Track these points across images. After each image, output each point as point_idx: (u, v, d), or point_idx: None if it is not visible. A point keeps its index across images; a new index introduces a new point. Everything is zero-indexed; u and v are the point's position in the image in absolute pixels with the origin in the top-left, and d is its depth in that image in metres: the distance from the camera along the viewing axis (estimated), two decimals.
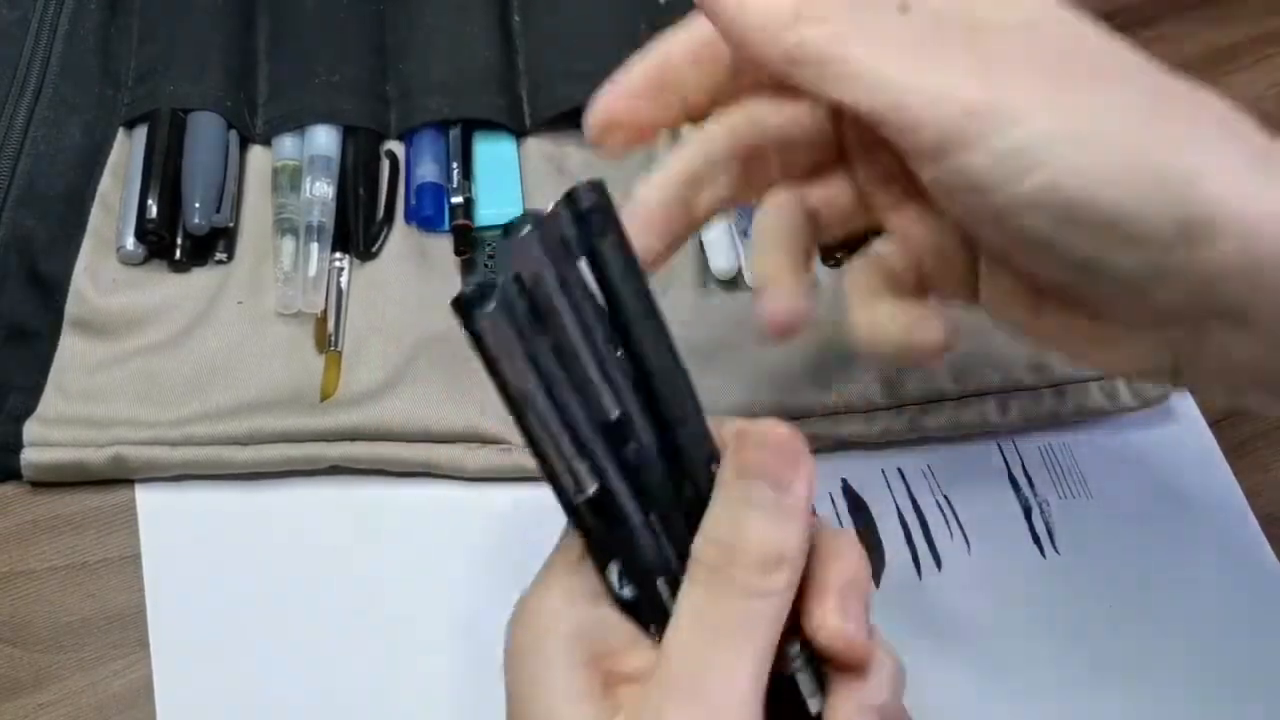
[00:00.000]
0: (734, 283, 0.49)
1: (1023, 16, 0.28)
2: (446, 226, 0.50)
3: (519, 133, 0.53)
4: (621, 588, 0.28)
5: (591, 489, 0.27)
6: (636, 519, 0.28)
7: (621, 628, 0.28)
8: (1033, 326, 0.31)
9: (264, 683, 0.41)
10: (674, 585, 0.28)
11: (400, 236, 0.50)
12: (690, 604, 0.27)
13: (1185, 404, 0.48)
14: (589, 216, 0.27)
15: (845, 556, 0.28)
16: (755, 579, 0.26)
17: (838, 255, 0.50)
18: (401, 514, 0.45)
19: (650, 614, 0.28)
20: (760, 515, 0.27)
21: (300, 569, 0.43)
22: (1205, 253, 0.25)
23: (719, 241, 0.49)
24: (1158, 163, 0.25)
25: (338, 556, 0.44)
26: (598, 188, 0.28)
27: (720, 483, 0.27)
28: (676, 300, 0.48)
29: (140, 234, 0.48)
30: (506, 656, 0.28)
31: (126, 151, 0.51)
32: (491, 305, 0.26)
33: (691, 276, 0.49)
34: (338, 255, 0.49)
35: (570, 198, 0.27)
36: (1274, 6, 0.61)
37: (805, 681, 0.28)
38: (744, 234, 0.49)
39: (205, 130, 0.51)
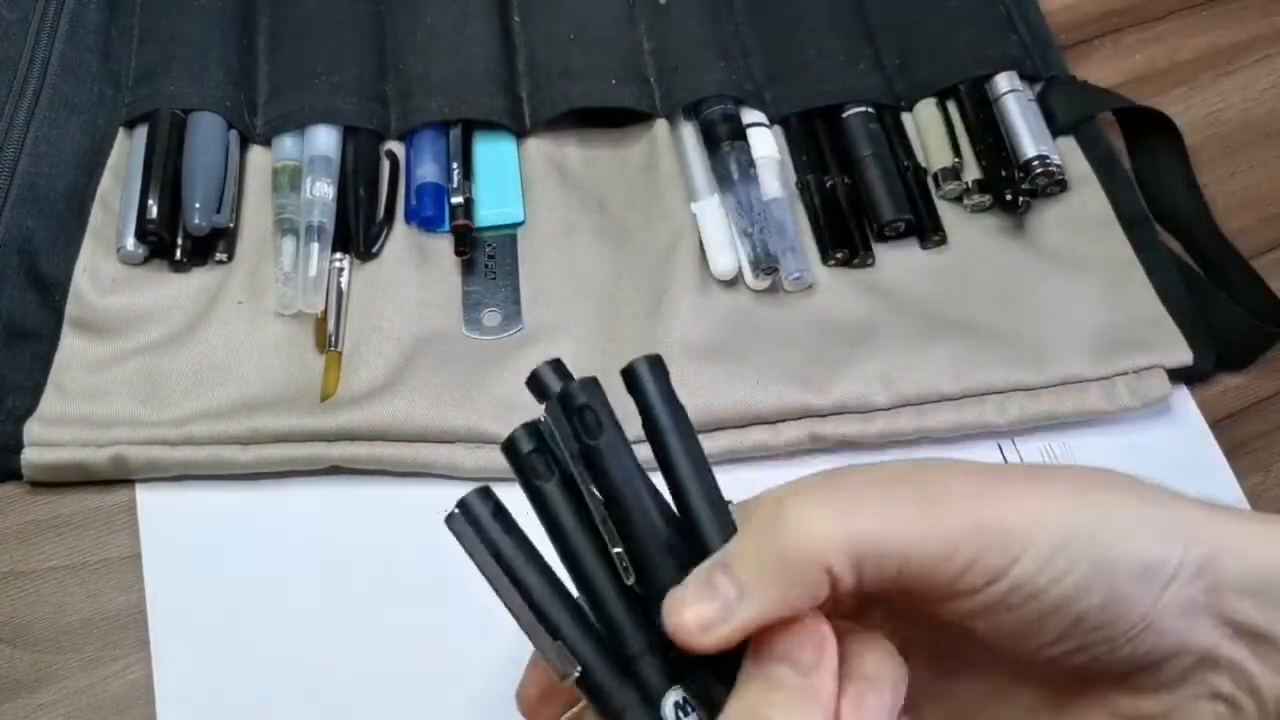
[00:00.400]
0: (734, 283, 0.49)
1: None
2: (446, 227, 0.51)
3: (519, 133, 0.53)
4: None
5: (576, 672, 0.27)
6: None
7: None
8: None
9: (264, 683, 0.41)
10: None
11: (400, 237, 0.50)
12: None
13: (1185, 404, 0.48)
14: (582, 413, 0.27)
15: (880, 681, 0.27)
16: None
17: (838, 255, 0.50)
18: (401, 514, 0.45)
19: None
20: (777, 700, 0.25)
21: (300, 569, 0.43)
22: (1220, 574, 0.26)
23: (719, 241, 0.50)
24: (1150, 508, 0.26)
25: (338, 556, 0.44)
26: (589, 385, 0.27)
27: (743, 667, 0.26)
28: (676, 300, 0.48)
29: (140, 234, 0.48)
30: None
31: (127, 151, 0.51)
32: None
33: (692, 276, 0.49)
34: (338, 255, 0.49)
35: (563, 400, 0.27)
36: (1274, 7, 0.61)
37: None
38: (744, 234, 0.49)
39: (205, 130, 0.51)
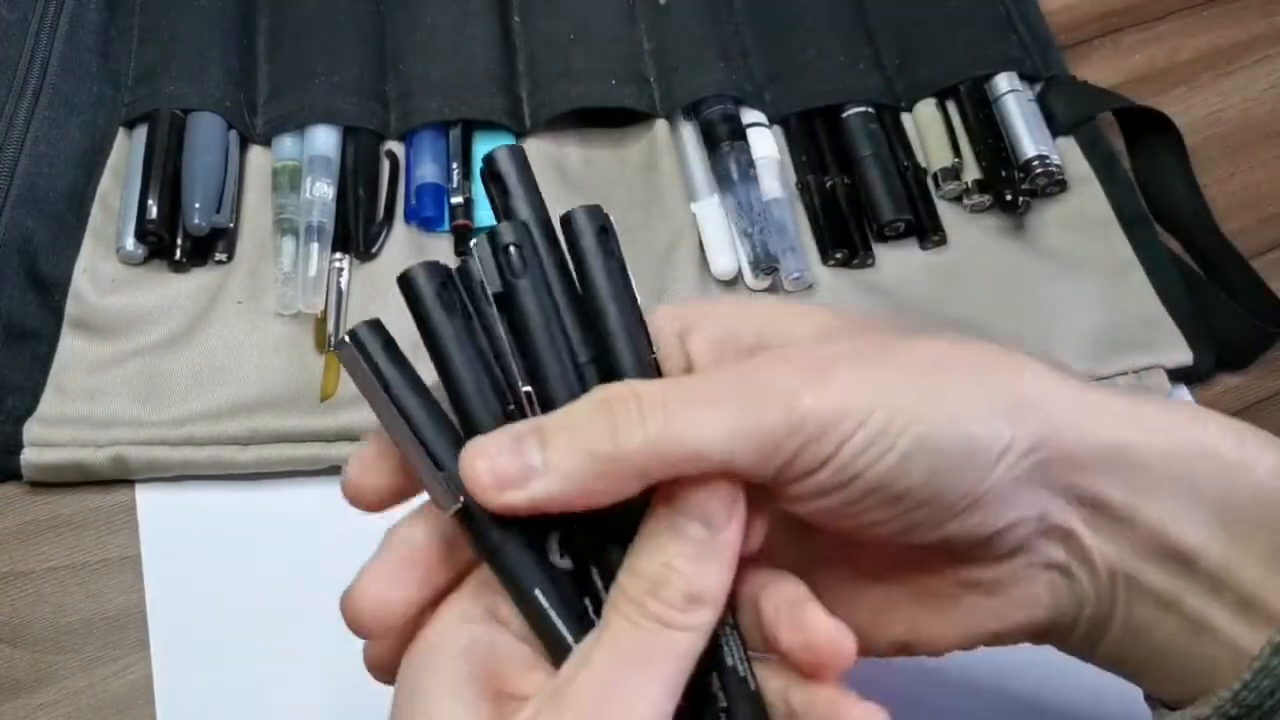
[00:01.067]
0: (734, 283, 0.49)
1: (812, 328, 0.29)
2: (446, 227, 0.51)
3: (519, 133, 0.53)
4: (562, 556, 0.28)
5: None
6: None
7: (515, 650, 0.28)
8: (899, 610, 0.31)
9: (264, 683, 0.41)
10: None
11: (400, 237, 0.50)
12: (606, 629, 0.26)
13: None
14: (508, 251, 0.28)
15: None
16: (674, 614, 0.26)
17: (838, 256, 0.50)
18: (400, 514, 0.45)
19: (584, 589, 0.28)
20: (688, 552, 0.26)
21: (300, 569, 0.43)
22: (1053, 448, 0.27)
23: (719, 241, 0.50)
24: (987, 388, 0.27)
25: (337, 556, 0.44)
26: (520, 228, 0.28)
27: (650, 515, 0.27)
28: (676, 300, 0.48)
29: (140, 234, 0.48)
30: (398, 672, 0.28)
31: (126, 152, 0.51)
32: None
33: (692, 276, 0.49)
34: (338, 255, 0.49)
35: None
36: (1274, 7, 0.61)
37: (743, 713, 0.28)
38: (744, 234, 0.49)
39: (205, 130, 0.51)
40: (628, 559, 0.27)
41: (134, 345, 0.47)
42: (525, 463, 0.26)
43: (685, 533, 0.26)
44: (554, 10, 0.56)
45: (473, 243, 0.28)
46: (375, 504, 0.30)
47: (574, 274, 0.29)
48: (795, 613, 0.28)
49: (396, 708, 0.27)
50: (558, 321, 0.28)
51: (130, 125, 0.52)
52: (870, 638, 0.30)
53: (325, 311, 0.48)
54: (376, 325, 0.28)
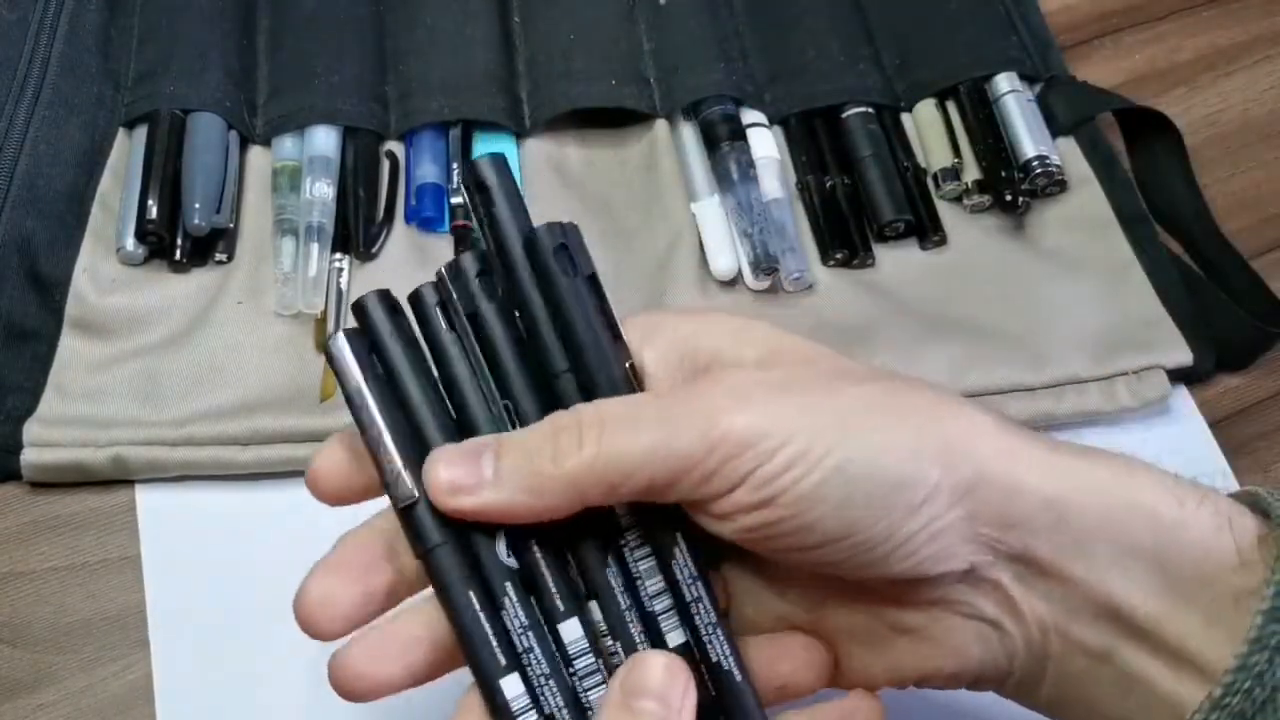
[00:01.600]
0: (734, 283, 0.49)
1: (757, 353, 0.30)
2: (447, 227, 0.51)
3: (519, 133, 0.53)
4: (508, 556, 0.29)
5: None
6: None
7: None
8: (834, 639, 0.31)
9: (264, 683, 0.41)
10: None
11: (400, 237, 0.50)
12: None
13: (1185, 404, 0.48)
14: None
15: None
16: None
17: (838, 256, 0.50)
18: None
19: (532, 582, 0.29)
20: None
21: (300, 569, 0.43)
22: (978, 501, 0.27)
23: (719, 242, 0.50)
24: (920, 433, 0.27)
25: None
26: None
27: (606, 700, 0.27)
28: (676, 301, 0.48)
29: (140, 234, 0.48)
30: None
31: (126, 152, 0.51)
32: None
33: (691, 276, 0.49)
34: (338, 256, 0.49)
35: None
36: (1274, 7, 0.61)
37: None
38: (744, 235, 0.49)
39: (205, 131, 0.51)
40: None
41: (134, 345, 0.47)
42: (479, 472, 0.27)
43: (642, 711, 0.27)
44: (554, 10, 0.56)
45: (440, 271, 0.30)
46: (335, 494, 0.31)
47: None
48: None
49: None
50: (516, 348, 0.29)
51: (130, 125, 0.52)
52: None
53: (325, 312, 0.48)
54: (383, 305, 0.29)
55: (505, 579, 0.28)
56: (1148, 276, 0.50)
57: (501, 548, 0.29)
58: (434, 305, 0.29)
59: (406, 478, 0.28)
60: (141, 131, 0.51)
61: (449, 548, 0.28)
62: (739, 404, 0.27)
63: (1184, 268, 0.51)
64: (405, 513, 0.28)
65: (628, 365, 0.29)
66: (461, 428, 0.29)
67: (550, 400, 0.29)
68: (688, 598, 0.29)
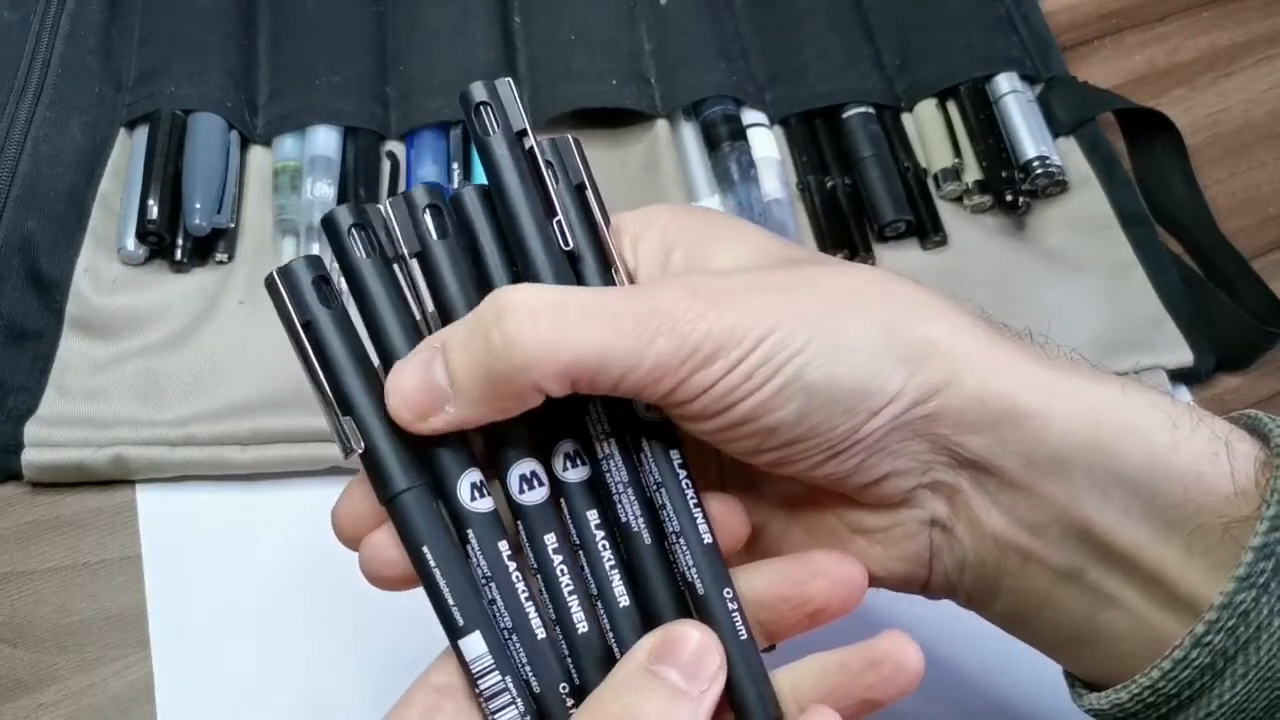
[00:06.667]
0: None
1: (742, 252, 0.29)
2: None
3: None
4: (475, 499, 0.28)
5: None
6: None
7: None
8: (784, 533, 0.31)
9: (264, 683, 0.41)
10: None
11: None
12: None
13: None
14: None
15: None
16: None
17: (838, 256, 0.50)
18: None
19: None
20: (661, 699, 0.26)
21: (300, 569, 0.43)
22: (944, 404, 0.27)
23: None
24: (891, 331, 0.27)
25: (338, 557, 0.44)
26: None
27: (629, 658, 0.27)
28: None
29: (141, 234, 0.48)
30: None
31: (127, 152, 0.51)
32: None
33: None
34: None
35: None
36: (1274, 7, 0.61)
37: None
38: None
39: (206, 131, 0.51)
40: (596, 691, 0.27)
41: (134, 345, 0.47)
42: (435, 384, 0.27)
43: (665, 679, 0.26)
44: (554, 10, 0.56)
45: (388, 202, 0.28)
46: (358, 537, 0.30)
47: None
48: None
49: None
50: (475, 286, 0.28)
51: (131, 126, 0.52)
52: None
53: None
54: (314, 262, 0.28)
55: (467, 526, 0.27)
56: (1148, 277, 0.50)
57: (465, 490, 0.28)
58: (347, 228, 0.28)
59: (351, 425, 0.27)
60: (142, 132, 0.51)
61: (415, 496, 0.27)
62: (714, 309, 0.26)
63: (1184, 268, 0.51)
64: (363, 461, 0.28)
65: (617, 259, 0.29)
66: (387, 363, 0.28)
67: None
68: (676, 501, 0.28)
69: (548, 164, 0.29)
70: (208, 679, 0.41)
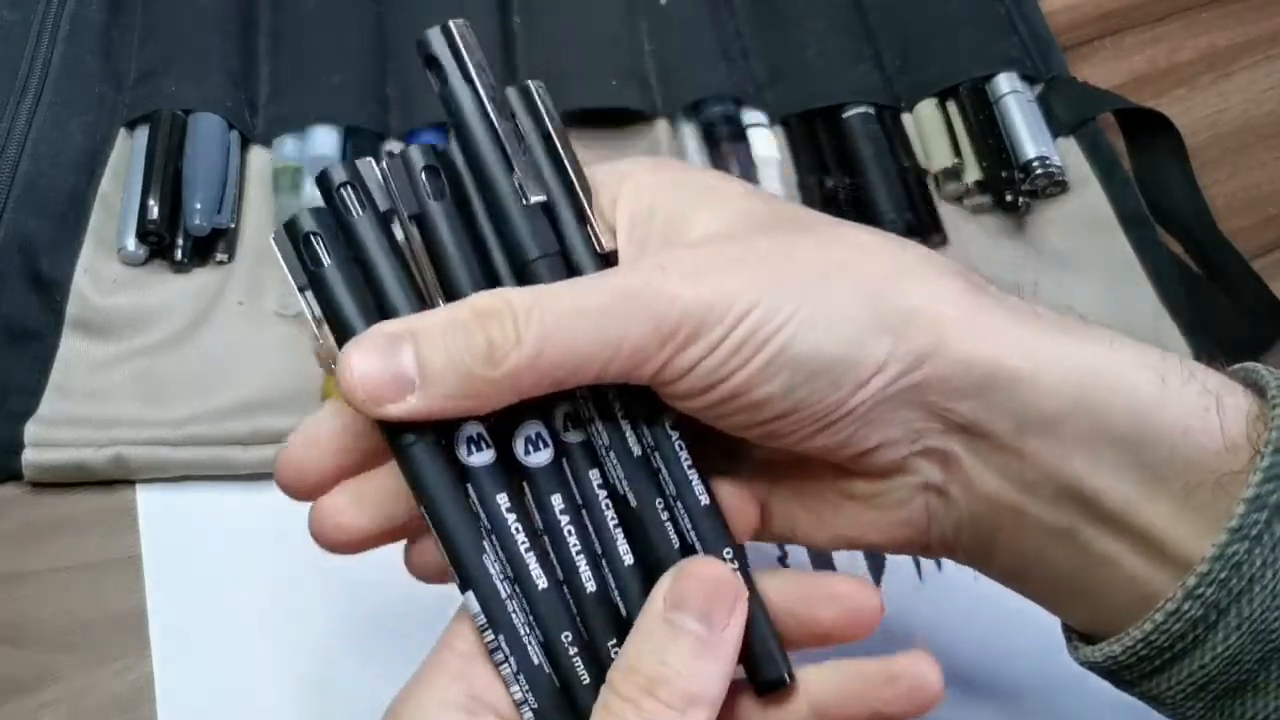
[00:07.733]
0: None
1: (724, 217, 0.28)
2: None
3: None
4: (473, 453, 0.28)
5: None
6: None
7: None
8: (779, 510, 0.31)
9: (264, 683, 0.41)
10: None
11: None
12: None
13: None
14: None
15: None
16: (672, 715, 0.25)
17: None
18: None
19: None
20: (686, 649, 0.26)
21: (301, 569, 0.43)
22: (932, 371, 0.26)
23: None
24: (874, 301, 0.26)
25: (338, 557, 0.44)
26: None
27: (647, 610, 0.27)
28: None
29: (141, 234, 0.48)
30: None
31: (127, 152, 0.51)
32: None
33: None
34: None
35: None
36: (1274, 8, 0.61)
37: None
38: None
39: (206, 131, 0.51)
40: (622, 652, 0.27)
41: (135, 345, 0.47)
42: (401, 372, 0.26)
43: (684, 629, 0.26)
44: (554, 10, 0.56)
45: (384, 162, 0.28)
46: (312, 487, 0.30)
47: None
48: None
49: None
50: (471, 246, 0.28)
51: (131, 126, 0.52)
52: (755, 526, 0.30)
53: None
54: (319, 214, 0.28)
55: (466, 480, 0.27)
56: (1148, 277, 0.50)
57: (463, 445, 0.28)
58: (337, 186, 0.28)
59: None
60: (143, 132, 0.51)
61: (424, 447, 0.27)
62: (694, 286, 0.26)
63: (1184, 268, 0.51)
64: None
65: (593, 216, 0.28)
66: (386, 317, 0.28)
67: None
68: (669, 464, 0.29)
69: (511, 115, 0.29)
70: (208, 679, 0.41)
